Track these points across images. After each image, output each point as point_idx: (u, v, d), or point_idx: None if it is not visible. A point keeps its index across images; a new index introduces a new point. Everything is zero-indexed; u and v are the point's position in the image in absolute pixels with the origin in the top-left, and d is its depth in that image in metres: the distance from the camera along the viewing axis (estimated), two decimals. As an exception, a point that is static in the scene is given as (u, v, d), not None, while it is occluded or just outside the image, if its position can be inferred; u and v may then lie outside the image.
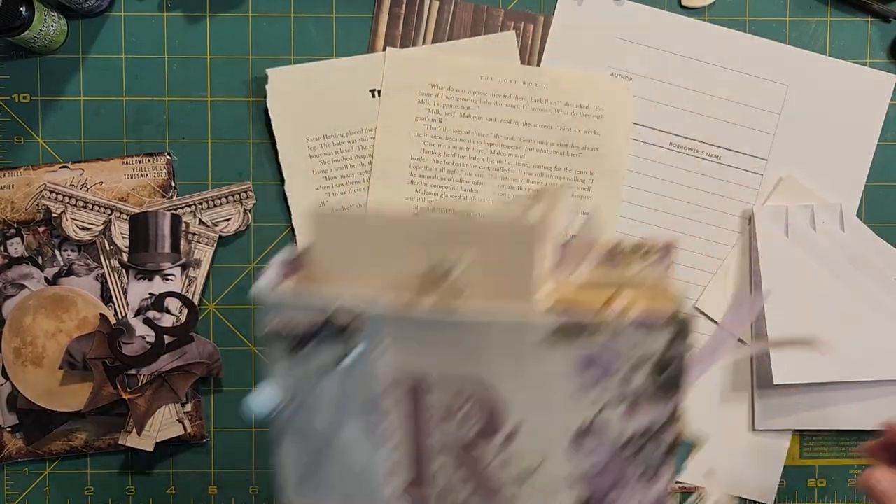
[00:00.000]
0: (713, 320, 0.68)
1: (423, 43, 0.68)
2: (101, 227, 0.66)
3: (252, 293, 0.45)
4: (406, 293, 0.45)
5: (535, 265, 0.45)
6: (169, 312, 0.66)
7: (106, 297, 0.66)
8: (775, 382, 0.65)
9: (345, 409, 0.47)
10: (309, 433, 0.48)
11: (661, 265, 0.53)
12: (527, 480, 0.48)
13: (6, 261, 0.67)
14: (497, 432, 0.47)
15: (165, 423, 0.67)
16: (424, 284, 0.45)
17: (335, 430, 0.48)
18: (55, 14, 0.65)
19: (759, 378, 0.68)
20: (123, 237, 0.66)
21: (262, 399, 0.46)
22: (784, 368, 0.66)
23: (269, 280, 0.45)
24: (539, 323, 0.45)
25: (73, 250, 0.67)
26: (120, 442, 0.66)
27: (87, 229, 0.66)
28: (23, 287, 0.67)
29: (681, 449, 0.49)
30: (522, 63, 0.68)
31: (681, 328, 0.46)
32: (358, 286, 0.45)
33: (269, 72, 0.67)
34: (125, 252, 0.66)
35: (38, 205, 0.67)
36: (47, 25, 0.64)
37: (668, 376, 0.47)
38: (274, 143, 0.67)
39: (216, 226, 0.67)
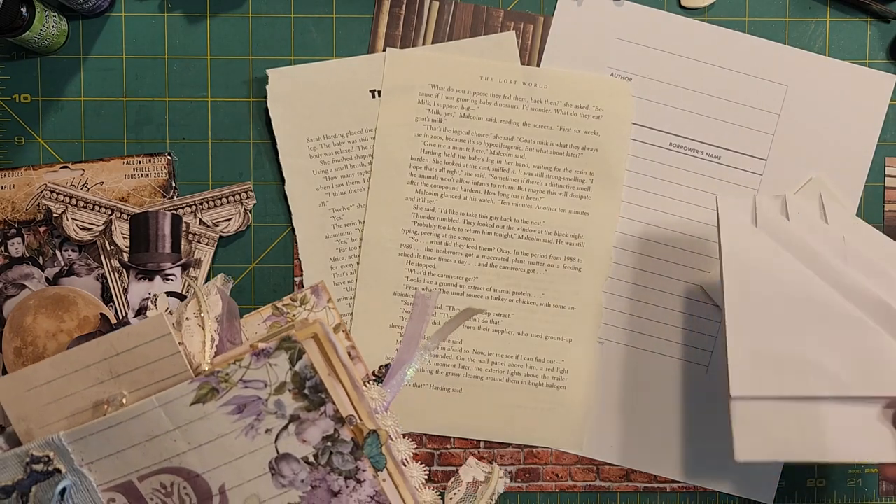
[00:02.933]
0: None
1: (423, 43, 0.68)
2: (102, 227, 0.66)
3: None
4: (82, 419, 0.53)
5: (178, 350, 0.53)
6: (169, 313, 0.66)
7: (106, 297, 0.67)
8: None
9: None
10: None
11: (321, 304, 0.64)
12: None
13: (7, 261, 0.67)
14: (211, 500, 0.54)
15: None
16: (96, 413, 0.53)
17: None
18: (56, 14, 0.65)
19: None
20: (124, 237, 0.66)
21: None
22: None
23: None
24: (184, 389, 0.52)
25: (73, 250, 0.67)
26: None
27: (88, 229, 0.66)
28: (23, 287, 0.67)
29: (369, 443, 0.54)
30: (522, 63, 0.68)
31: (291, 347, 0.53)
32: (48, 431, 0.53)
33: (270, 72, 0.67)
34: (126, 252, 0.66)
35: (38, 205, 0.67)
36: (48, 26, 0.64)
37: (310, 388, 0.54)
38: (274, 143, 0.67)
39: (216, 226, 0.67)
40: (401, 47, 0.68)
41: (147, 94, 0.68)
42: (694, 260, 0.68)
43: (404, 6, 0.68)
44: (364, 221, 0.68)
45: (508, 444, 0.68)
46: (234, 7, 0.68)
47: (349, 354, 0.59)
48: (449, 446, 0.68)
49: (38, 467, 0.52)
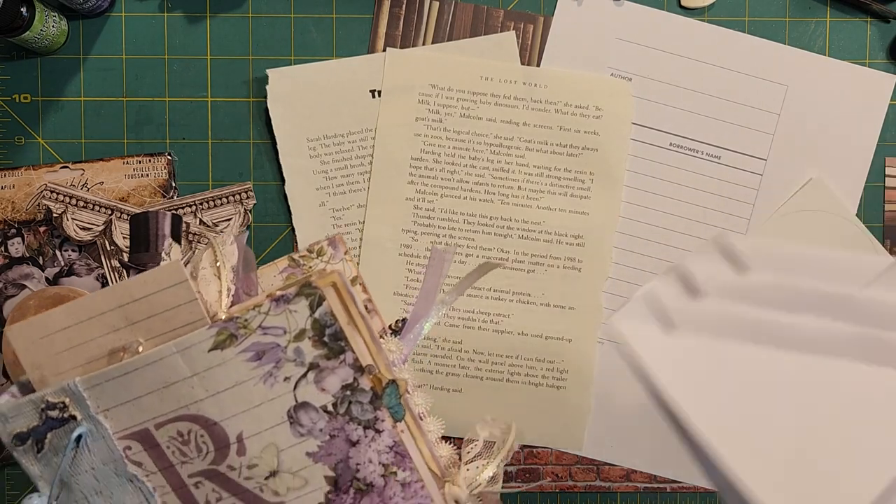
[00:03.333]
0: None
1: (424, 43, 0.68)
2: (102, 227, 0.66)
3: None
4: (96, 367, 0.52)
5: (195, 297, 0.52)
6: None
7: (106, 297, 0.67)
8: None
9: (102, 479, 0.53)
10: None
11: (337, 256, 0.62)
12: (278, 475, 0.54)
13: (7, 261, 0.67)
14: (228, 448, 0.53)
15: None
16: (111, 360, 0.53)
17: (108, 499, 0.53)
18: (56, 14, 0.65)
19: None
20: (124, 237, 0.66)
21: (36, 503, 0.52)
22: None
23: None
24: (203, 335, 0.52)
25: (73, 250, 0.67)
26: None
27: (88, 229, 0.66)
28: (23, 287, 0.67)
29: (388, 393, 0.54)
30: (522, 63, 0.68)
31: (311, 294, 0.52)
32: (63, 378, 0.52)
33: (270, 72, 0.67)
34: (126, 252, 0.66)
35: (38, 205, 0.67)
36: (48, 26, 0.64)
37: (330, 335, 0.53)
38: (274, 143, 0.67)
39: (216, 226, 0.67)
40: (401, 47, 0.68)
41: (147, 94, 0.68)
42: (694, 260, 0.68)
43: (404, 6, 0.68)
44: (364, 221, 0.68)
45: (508, 444, 0.68)
46: (234, 7, 0.68)
47: (366, 307, 0.58)
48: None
49: (54, 413, 0.52)
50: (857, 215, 0.68)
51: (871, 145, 0.68)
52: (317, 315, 0.52)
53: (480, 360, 0.68)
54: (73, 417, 0.52)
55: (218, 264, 0.56)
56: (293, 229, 0.68)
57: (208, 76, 0.68)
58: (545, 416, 0.68)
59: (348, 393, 0.53)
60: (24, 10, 0.61)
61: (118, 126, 0.68)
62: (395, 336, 0.60)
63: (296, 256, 0.62)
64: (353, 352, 0.53)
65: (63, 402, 0.52)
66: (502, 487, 0.63)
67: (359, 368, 0.53)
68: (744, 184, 0.68)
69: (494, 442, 0.58)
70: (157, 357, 0.51)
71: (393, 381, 0.54)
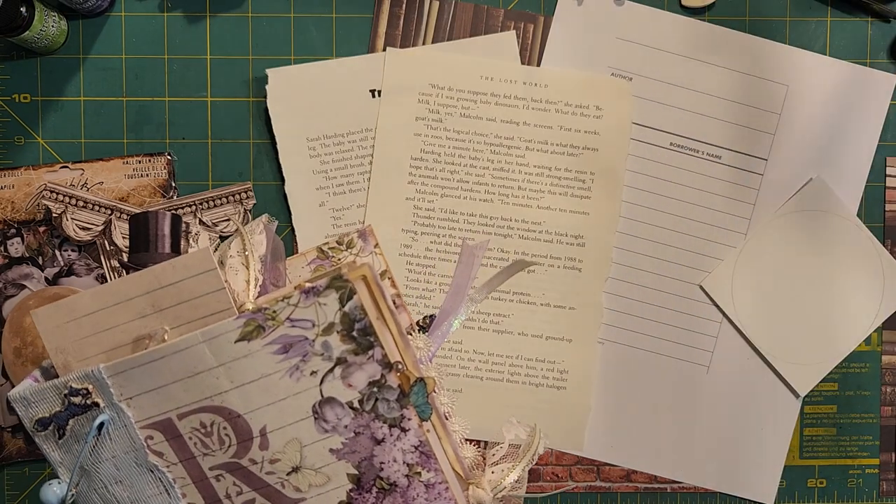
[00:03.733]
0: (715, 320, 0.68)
1: (424, 43, 0.68)
2: (102, 227, 0.66)
3: (8, 398, 0.51)
4: (121, 354, 0.51)
5: (223, 286, 0.51)
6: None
7: (106, 297, 0.66)
8: None
9: (123, 468, 0.52)
10: (108, 499, 0.53)
11: (367, 249, 0.61)
12: (300, 471, 0.52)
13: (6, 261, 0.67)
14: (251, 441, 0.52)
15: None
16: (136, 347, 0.52)
17: (128, 489, 0.53)
18: (55, 14, 0.65)
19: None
20: (124, 237, 0.66)
21: (54, 490, 0.52)
22: None
23: (19, 387, 0.52)
24: (230, 325, 0.50)
25: (73, 250, 0.67)
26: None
27: (88, 229, 0.66)
28: (23, 287, 0.67)
29: (415, 391, 0.52)
30: (523, 63, 0.68)
31: (342, 287, 0.50)
32: (87, 364, 0.51)
33: (269, 72, 0.67)
34: (125, 252, 0.66)
35: (38, 205, 0.67)
36: (48, 25, 0.64)
37: (359, 330, 0.51)
38: (274, 143, 0.67)
39: (216, 226, 0.67)
40: (401, 47, 0.68)
41: (147, 94, 0.68)
42: (694, 260, 0.68)
43: (404, 6, 0.68)
44: (364, 221, 0.67)
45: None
46: (234, 7, 0.68)
47: (394, 302, 0.56)
48: (449, 446, 0.68)
49: (77, 400, 0.51)
50: (857, 215, 0.68)
51: (871, 145, 0.68)
52: (346, 309, 0.51)
53: (480, 360, 0.68)
54: (97, 404, 0.51)
55: (246, 253, 0.54)
56: (293, 229, 0.68)
57: (208, 76, 0.68)
58: (545, 417, 0.68)
59: (375, 390, 0.52)
60: (23, 9, 0.61)
61: (118, 126, 0.68)
62: (423, 333, 0.59)
63: (325, 248, 0.60)
64: (382, 347, 0.51)
65: (86, 389, 0.50)
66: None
67: (387, 365, 0.52)
68: (744, 184, 0.68)
69: (520, 445, 0.57)
70: (183, 346, 0.50)
71: (421, 380, 0.52)
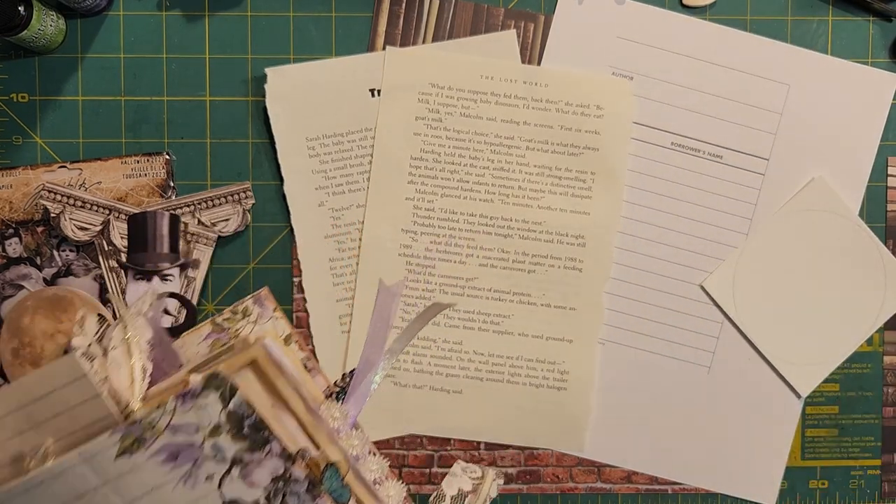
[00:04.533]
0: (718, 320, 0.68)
1: (424, 42, 0.68)
2: (100, 227, 0.66)
3: None
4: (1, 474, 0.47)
5: (98, 393, 0.47)
6: (167, 313, 0.66)
7: (104, 298, 0.66)
8: None
9: None
10: None
11: (266, 314, 0.56)
12: None
13: (4, 261, 0.67)
14: None
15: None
16: (16, 467, 0.48)
17: None
18: (54, 13, 0.65)
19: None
20: (122, 237, 0.66)
21: None
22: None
23: None
24: (107, 442, 0.47)
25: (71, 250, 0.67)
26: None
27: (86, 229, 0.66)
28: (21, 287, 0.67)
29: (328, 477, 0.49)
30: (523, 62, 0.67)
31: (220, 385, 0.47)
32: None
33: (269, 71, 0.67)
34: (124, 252, 0.66)
35: (36, 205, 0.66)
36: (46, 25, 0.64)
37: (250, 427, 0.48)
38: (273, 143, 0.67)
39: (215, 226, 0.67)
40: (401, 46, 0.67)
41: (145, 94, 0.67)
42: (695, 260, 0.68)
43: (404, 4, 0.67)
44: (364, 221, 0.67)
45: (509, 446, 0.68)
46: (233, 6, 0.68)
47: (305, 367, 0.52)
48: (449, 448, 0.67)
49: None
50: (859, 215, 0.68)
51: (873, 145, 0.68)
52: (231, 407, 0.48)
53: (481, 360, 0.67)
54: None
55: (128, 340, 0.50)
56: (292, 229, 0.67)
57: (207, 75, 0.68)
58: (546, 418, 0.67)
59: (281, 484, 0.49)
60: (21, 8, 0.61)
61: (116, 125, 0.67)
62: (342, 395, 0.55)
63: (219, 320, 0.56)
64: (279, 441, 0.48)
65: None
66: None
67: (288, 458, 0.49)
68: (746, 183, 0.68)
69: (469, 494, 0.54)
70: (61, 469, 0.47)
71: (331, 464, 0.49)
